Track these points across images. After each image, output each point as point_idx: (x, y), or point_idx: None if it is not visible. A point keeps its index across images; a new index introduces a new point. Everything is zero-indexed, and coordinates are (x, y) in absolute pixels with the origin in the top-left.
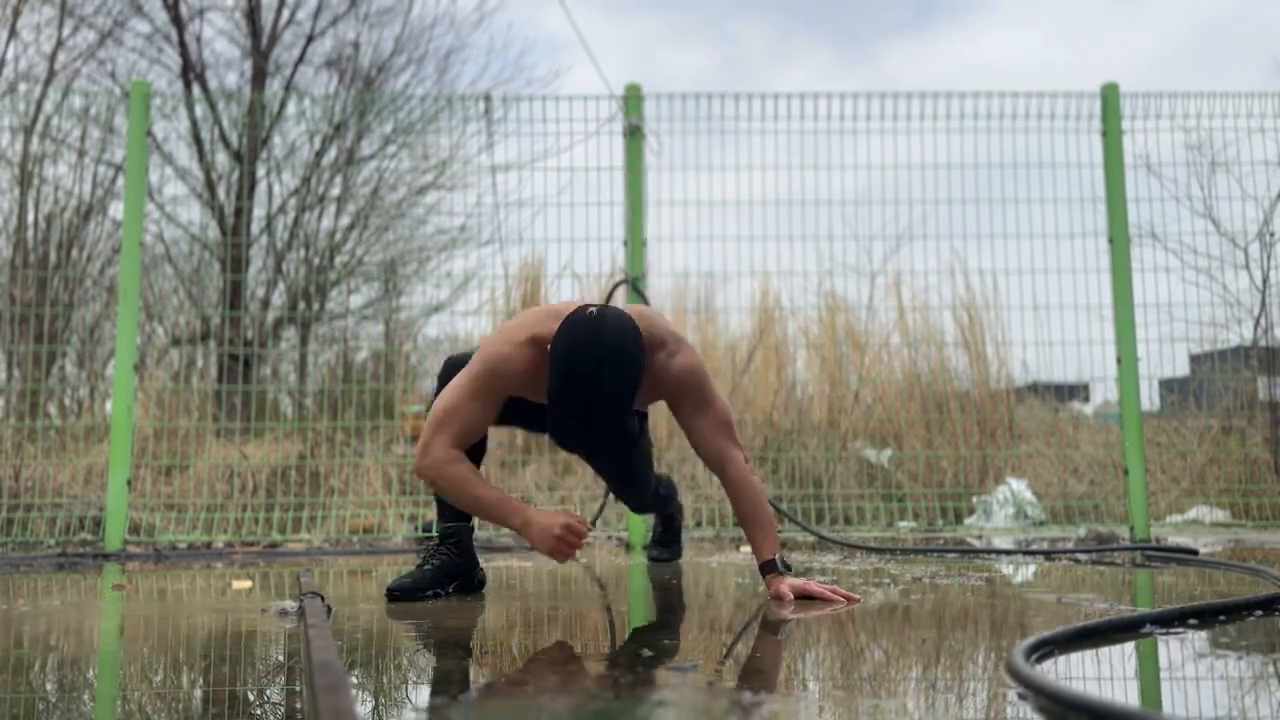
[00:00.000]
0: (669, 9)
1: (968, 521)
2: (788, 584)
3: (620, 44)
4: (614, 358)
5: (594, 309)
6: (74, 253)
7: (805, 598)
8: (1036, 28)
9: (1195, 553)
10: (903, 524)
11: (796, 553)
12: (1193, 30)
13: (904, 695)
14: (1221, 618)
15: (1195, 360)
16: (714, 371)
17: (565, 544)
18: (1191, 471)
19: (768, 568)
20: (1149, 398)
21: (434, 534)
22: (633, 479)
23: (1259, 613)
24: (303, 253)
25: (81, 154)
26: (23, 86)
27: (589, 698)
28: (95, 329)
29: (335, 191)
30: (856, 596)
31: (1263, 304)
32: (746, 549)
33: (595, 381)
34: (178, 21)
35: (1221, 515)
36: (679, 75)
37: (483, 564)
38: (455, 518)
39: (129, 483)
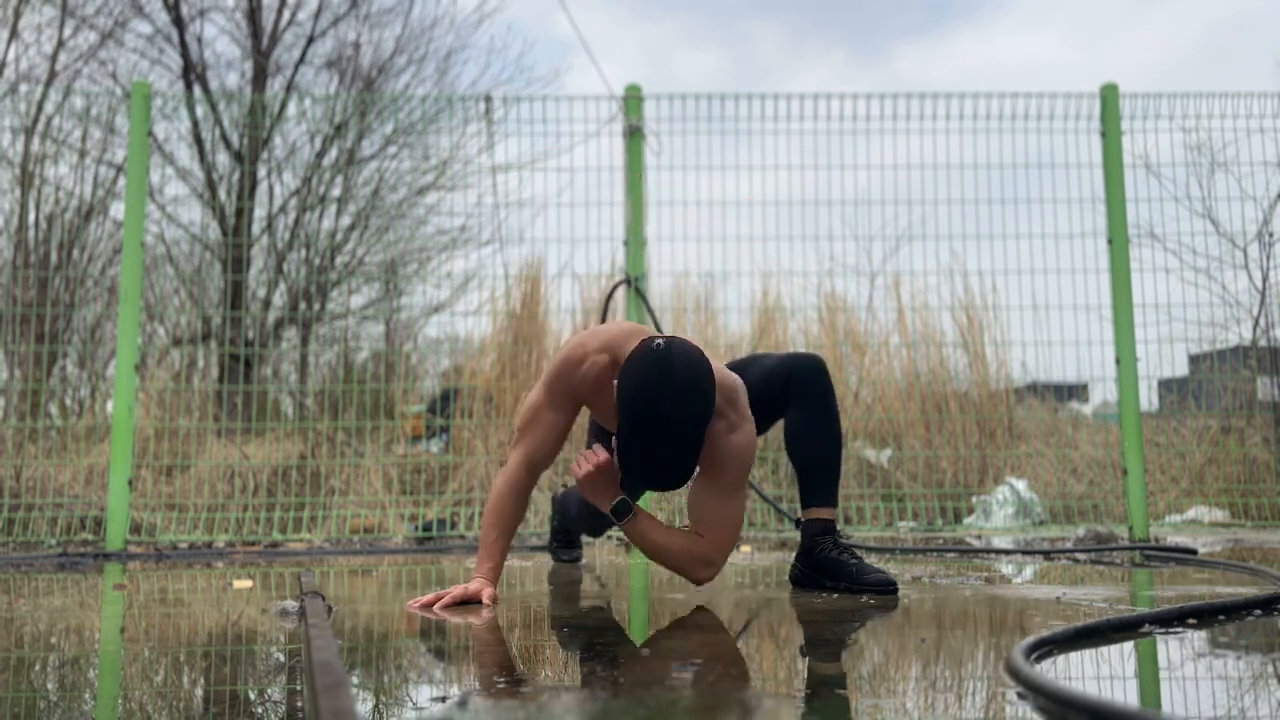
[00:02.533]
0: (684, 11)
1: (967, 521)
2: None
3: (635, 47)
4: (682, 393)
5: (660, 341)
6: (75, 253)
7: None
8: (1050, 30)
9: (1195, 553)
10: (903, 524)
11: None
12: (1208, 31)
13: (904, 695)
14: (1221, 618)
15: (1194, 360)
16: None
17: (450, 596)
18: (1190, 471)
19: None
20: (1148, 398)
21: (432, 534)
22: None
23: (1259, 613)
24: (303, 253)
25: (82, 154)
26: (24, 87)
27: (589, 698)
28: (96, 329)
29: (336, 192)
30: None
31: (1262, 304)
32: (746, 549)
33: (665, 420)
34: (179, 22)
35: (1220, 515)
36: (693, 77)
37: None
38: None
39: (130, 483)
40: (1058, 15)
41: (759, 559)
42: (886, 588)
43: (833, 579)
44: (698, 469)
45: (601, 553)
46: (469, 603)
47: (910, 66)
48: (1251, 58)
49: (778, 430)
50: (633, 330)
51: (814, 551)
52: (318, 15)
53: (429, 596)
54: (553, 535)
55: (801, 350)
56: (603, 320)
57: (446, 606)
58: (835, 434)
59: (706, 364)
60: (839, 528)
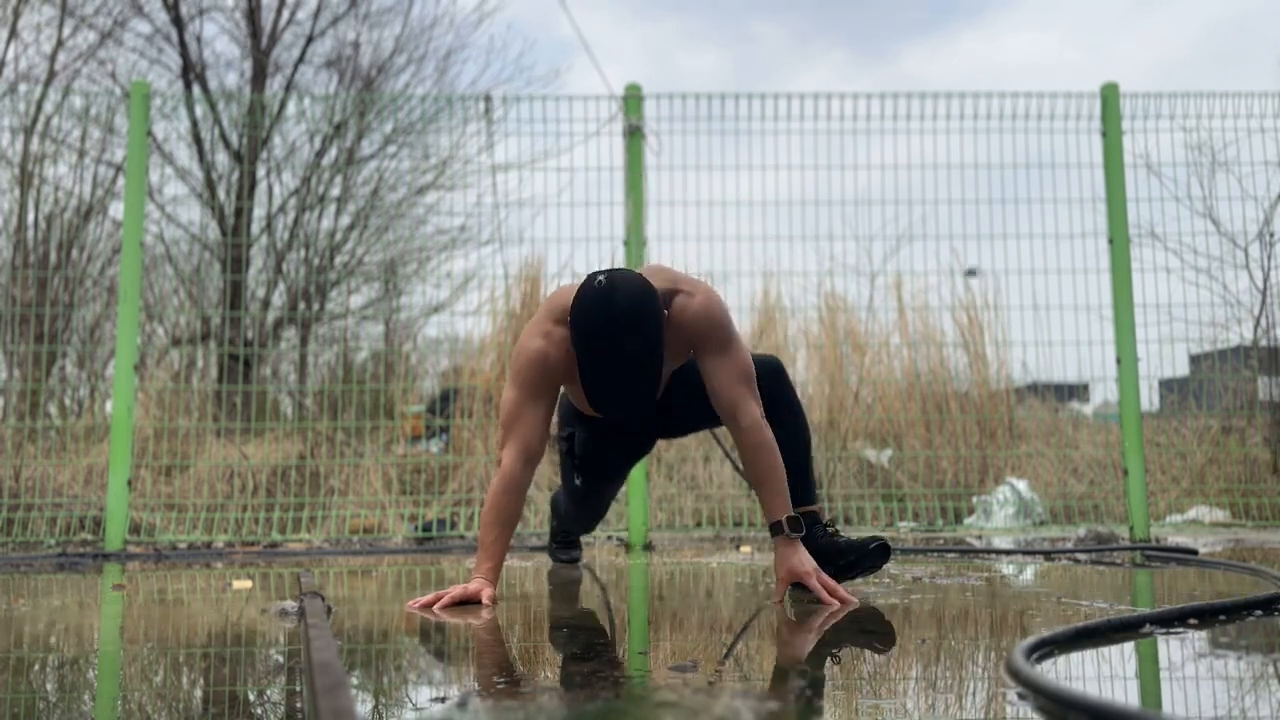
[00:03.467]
0: (685, 11)
1: (968, 521)
2: (789, 567)
3: (636, 47)
4: (631, 321)
5: (602, 277)
6: (74, 253)
7: (800, 586)
8: (1052, 29)
9: (1195, 553)
10: (903, 524)
11: None
12: (1208, 31)
13: (904, 695)
14: (1221, 618)
15: (1195, 360)
16: None
17: (450, 596)
18: (1191, 471)
19: (775, 529)
20: (1149, 398)
21: (432, 534)
22: (705, 420)
23: (1259, 613)
24: (303, 253)
25: (82, 154)
26: (23, 87)
27: (589, 698)
28: (95, 329)
29: (335, 191)
30: (853, 600)
31: (1263, 304)
32: (747, 549)
33: (619, 349)
34: (178, 22)
35: (1221, 515)
36: (694, 77)
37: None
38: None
39: (129, 483)
40: (1059, 15)
41: (759, 559)
42: (880, 549)
43: (832, 562)
44: (692, 354)
45: (601, 553)
46: (468, 603)
47: (913, 66)
48: (1252, 57)
49: None
50: (571, 288)
51: (810, 541)
52: (317, 14)
53: (428, 597)
54: (552, 536)
55: (790, 351)
56: None
57: (446, 607)
58: (805, 433)
59: (650, 287)
60: (835, 525)
